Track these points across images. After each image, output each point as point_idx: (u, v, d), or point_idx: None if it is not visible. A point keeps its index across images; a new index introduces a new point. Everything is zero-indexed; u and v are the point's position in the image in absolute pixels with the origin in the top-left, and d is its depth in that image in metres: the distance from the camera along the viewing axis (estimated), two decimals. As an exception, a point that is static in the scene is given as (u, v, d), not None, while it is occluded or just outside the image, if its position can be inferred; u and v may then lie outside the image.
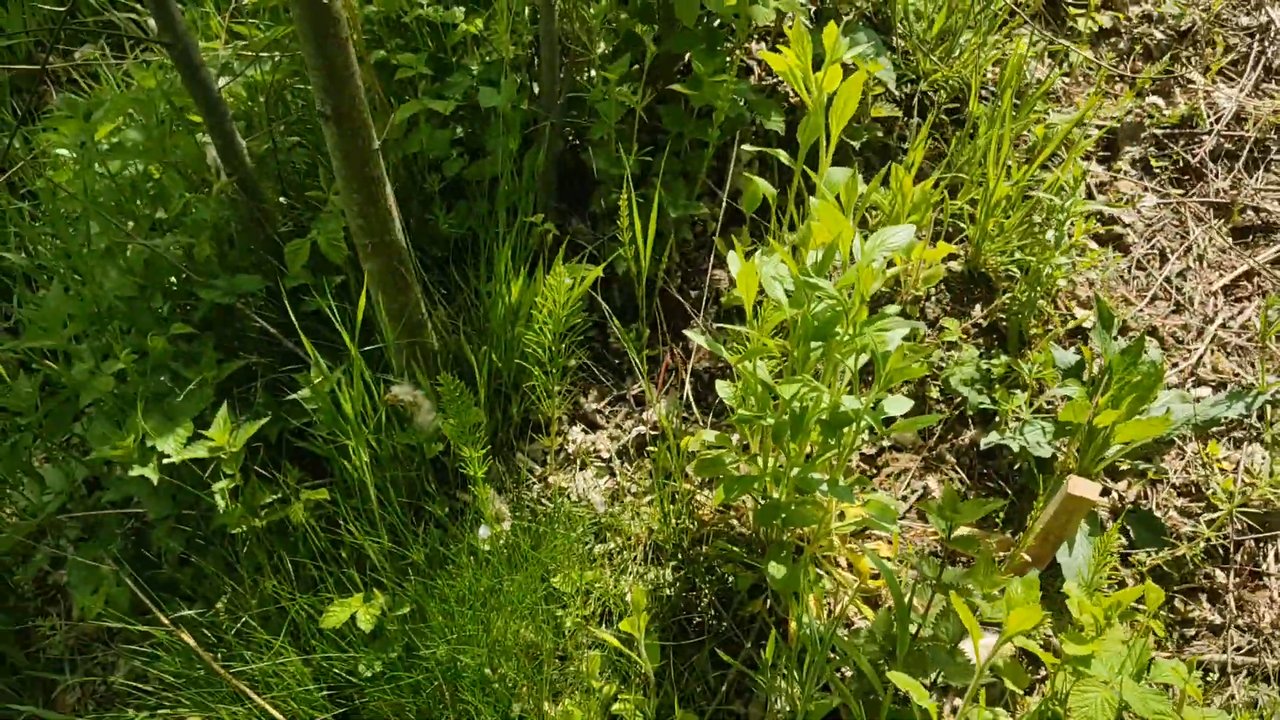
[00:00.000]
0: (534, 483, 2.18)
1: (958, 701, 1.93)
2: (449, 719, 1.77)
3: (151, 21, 2.88)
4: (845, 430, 1.76)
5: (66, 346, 2.08)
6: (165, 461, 1.95)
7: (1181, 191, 2.74)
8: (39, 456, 2.34)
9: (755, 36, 2.75)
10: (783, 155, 1.94)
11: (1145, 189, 2.74)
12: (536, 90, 2.38)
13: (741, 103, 2.39)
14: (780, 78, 2.65)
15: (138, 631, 2.17)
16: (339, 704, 1.88)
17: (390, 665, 1.83)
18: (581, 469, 2.21)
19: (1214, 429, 2.24)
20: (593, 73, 2.36)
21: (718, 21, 2.39)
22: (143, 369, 2.04)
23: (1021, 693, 1.85)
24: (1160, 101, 2.90)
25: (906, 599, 1.75)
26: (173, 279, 2.21)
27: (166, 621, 1.95)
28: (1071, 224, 2.27)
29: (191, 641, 1.92)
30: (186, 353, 2.13)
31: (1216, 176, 2.77)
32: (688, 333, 1.89)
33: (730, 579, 1.99)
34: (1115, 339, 2.14)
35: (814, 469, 1.80)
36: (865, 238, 1.67)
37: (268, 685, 1.89)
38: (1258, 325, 2.42)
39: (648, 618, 1.73)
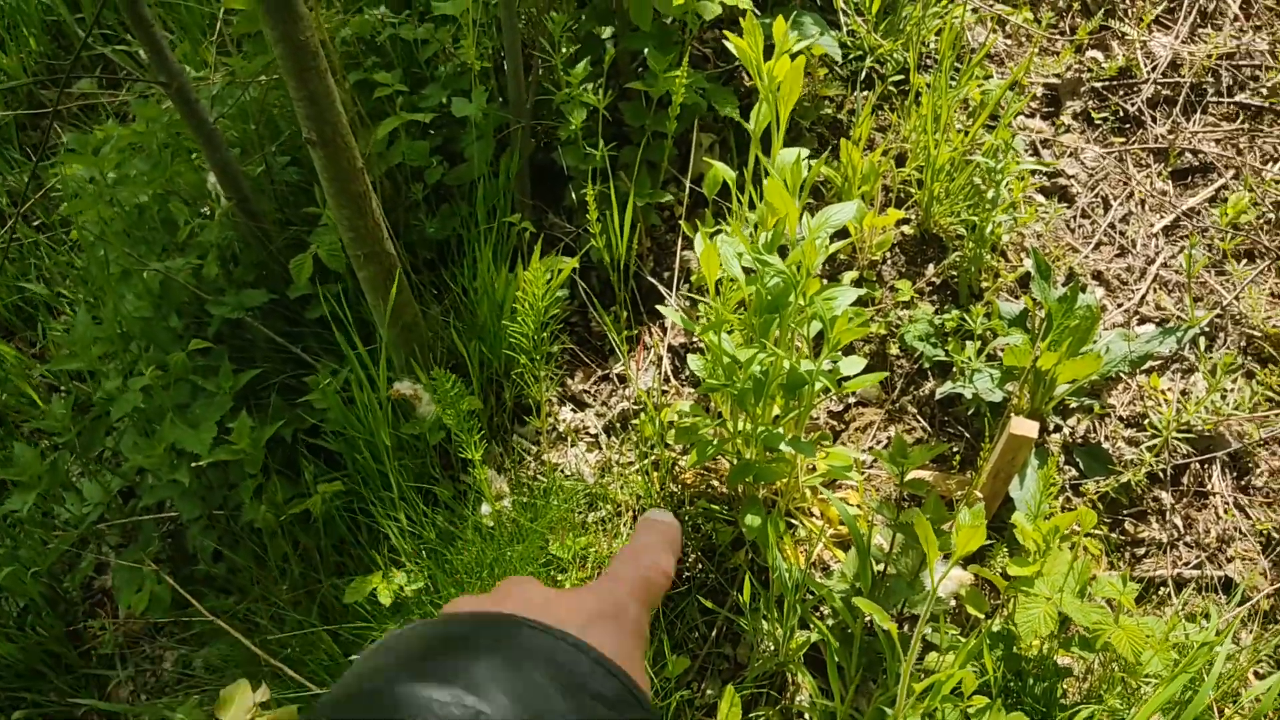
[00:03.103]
0: (529, 461, 2.37)
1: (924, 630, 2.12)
2: (466, 677, 1.97)
3: (143, 54, 3.06)
4: (803, 390, 1.94)
5: (94, 367, 2.27)
6: (194, 465, 2.15)
7: (1123, 140, 2.91)
8: (75, 472, 2.54)
9: (709, 26, 2.91)
10: (747, 125, 2.09)
11: (1087, 140, 2.90)
12: (506, 97, 2.56)
13: (698, 92, 2.56)
14: (732, 65, 2.82)
15: (181, 624, 2.38)
16: (368, 673, 2.08)
17: (410, 634, 2.02)
18: (572, 445, 2.40)
19: (1154, 363, 2.42)
20: (558, 75, 2.53)
21: (669, 19, 2.55)
22: (165, 383, 2.23)
23: (983, 617, 2.03)
24: (1099, 55, 3.06)
25: (869, 540, 1.94)
26: (184, 298, 2.39)
27: (206, 613, 2.15)
28: (1009, 183, 2.43)
29: (229, 629, 2.12)
30: (203, 366, 2.32)
31: (1155, 123, 2.93)
32: (661, 309, 2.06)
33: (713, 534, 2.18)
34: (1056, 286, 2.32)
35: (779, 429, 1.99)
36: (815, 212, 1.85)
37: (303, 662, 2.10)
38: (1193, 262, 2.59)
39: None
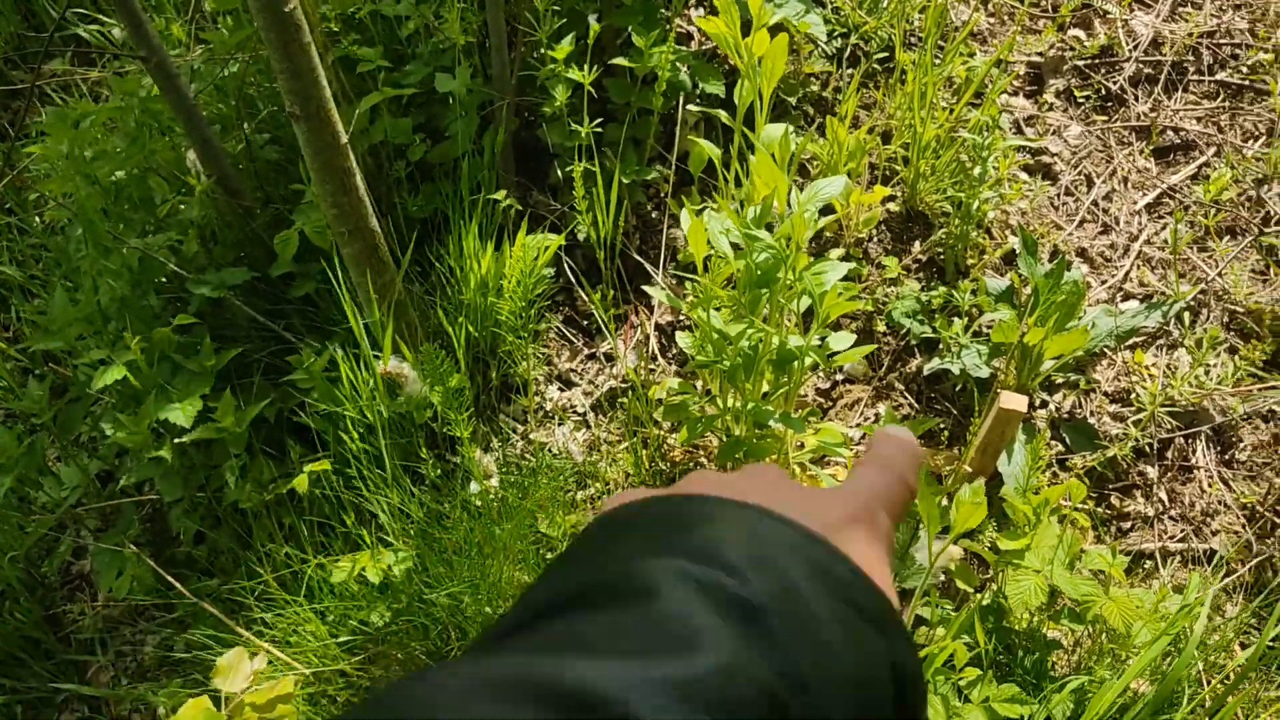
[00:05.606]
0: (517, 440, 2.35)
1: (917, 604, 2.13)
2: (457, 655, 1.96)
3: (116, 32, 3.01)
4: (793, 366, 1.93)
5: (73, 346, 2.23)
6: (178, 441, 2.12)
7: (1105, 118, 2.91)
8: (52, 456, 2.50)
9: (692, 3, 2.89)
10: (723, 115, 2.08)
11: (1070, 118, 2.91)
12: (489, 73, 2.53)
13: (684, 69, 2.54)
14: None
15: (162, 608, 2.34)
16: (355, 653, 2.06)
17: (398, 613, 2.01)
18: (560, 424, 2.38)
19: (1138, 338, 2.43)
20: (542, 51, 2.50)
21: (654, -6, 2.53)
22: (149, 359, 2.19)
23: (973, 591, 2.04)
24: (1081, 34, 3.06)
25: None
26: (163, 277, 2.35)
27: (189, 594, 2.13)
28: (995, 160, 2.43)
29: (213, 610, 2.09)
30: (184, 344, 2.28)
31: (1137, 101, 2.94)
32: (648, 289, 2.05)
33: (703, 511, 2.17)
34: (1042, 263, 2.32)
35: (768, 405, 1.98)
36: (803, 188, 1.83)
37: (288, 643, 2.07)
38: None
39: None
